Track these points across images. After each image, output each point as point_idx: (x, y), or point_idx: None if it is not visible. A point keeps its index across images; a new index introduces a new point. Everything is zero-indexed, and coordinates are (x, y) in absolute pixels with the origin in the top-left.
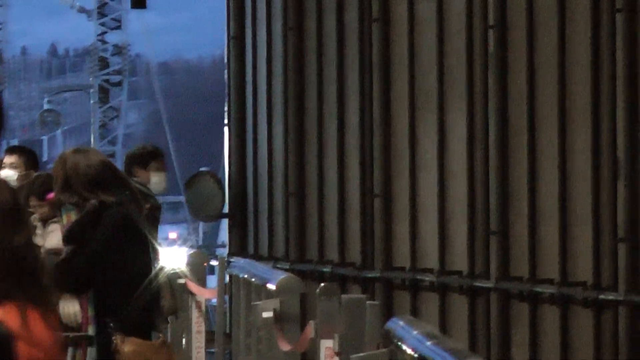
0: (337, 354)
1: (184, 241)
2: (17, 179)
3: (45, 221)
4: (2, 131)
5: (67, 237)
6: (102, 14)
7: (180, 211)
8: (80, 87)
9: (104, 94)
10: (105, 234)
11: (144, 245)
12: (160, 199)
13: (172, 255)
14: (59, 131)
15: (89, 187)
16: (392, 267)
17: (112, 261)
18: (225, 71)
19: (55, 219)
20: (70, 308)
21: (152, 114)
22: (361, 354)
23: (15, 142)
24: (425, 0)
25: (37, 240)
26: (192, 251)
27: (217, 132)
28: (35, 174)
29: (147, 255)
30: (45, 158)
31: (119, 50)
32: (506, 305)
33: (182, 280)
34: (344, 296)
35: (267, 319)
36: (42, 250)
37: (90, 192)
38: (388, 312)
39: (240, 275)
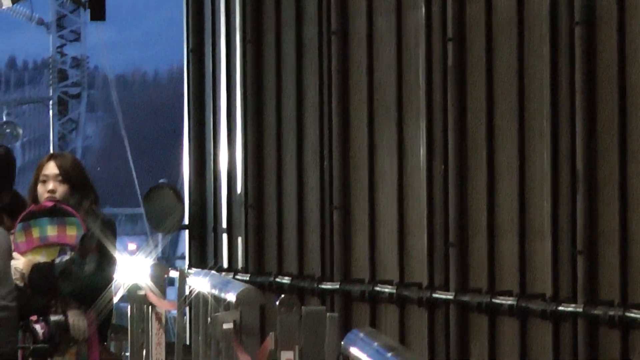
0: None
1: (146, 253)
2: None
3: None
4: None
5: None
6: (60, 27)
7: (139, 223)
8: (39, 100)
9: (63, 107)
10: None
11: None
12: (119, 211)
13: (134, 267)
14: (18, 143)
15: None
16: (351, 279)
17: None
18: (184, 84)
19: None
20: (80, 322)
21: (110, 126)
22: None
23: None
24: (384, 13)
25: None
26: (153, 263)
27: (175, 144)
28: None
29: None
30: None
31: (77, 62)
32: (465, 317)
33: (142, 292)
34: (304, 308)
35: (226, 330)
36: None
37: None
38: (347, 324)
39: (200, 287)
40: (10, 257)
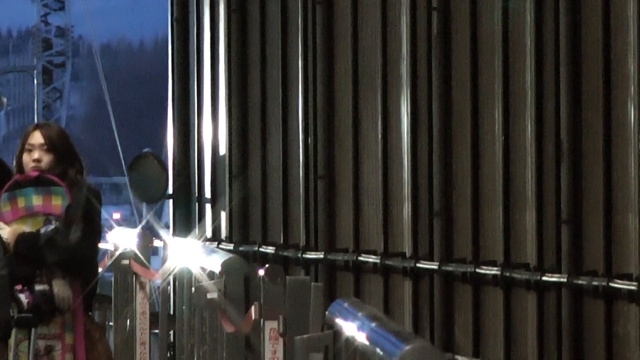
0: (281, 335)
1: (129, 223)
2: None
3: None
4: None
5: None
6: None
7: (124, 192)
8: (24, 69)
9: (47, 76)
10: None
11: None
12: (103, 180)
13: (122, 236)
14: (2, 112)
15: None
16: (335, 248)
17: None
18: (169, 54)
19: None
20: (65, 292)
21: (94, 95)
22: (305, 336)
23: None
24: None
25: None
26: (137, 232)
27: (160, 114)
28: None
29: None
30: None
31: (62, 31)
32: (449, 286)
33: (126, 261)
34: (288, 278)
35: (211, 300)
36: None
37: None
38: (331, 293)
39: (184, 256)
40: None
